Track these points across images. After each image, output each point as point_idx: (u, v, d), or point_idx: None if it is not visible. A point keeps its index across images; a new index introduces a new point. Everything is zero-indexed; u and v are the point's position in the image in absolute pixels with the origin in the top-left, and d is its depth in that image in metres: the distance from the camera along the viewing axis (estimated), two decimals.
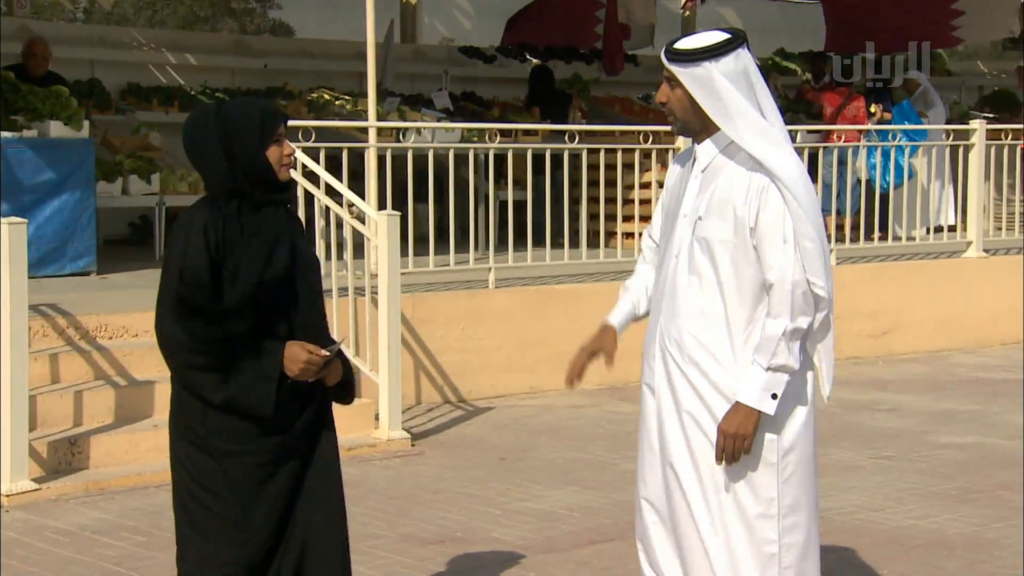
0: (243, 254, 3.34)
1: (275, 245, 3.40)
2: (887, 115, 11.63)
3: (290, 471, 3.47)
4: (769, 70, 13.36)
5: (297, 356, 3.34)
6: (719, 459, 3.35)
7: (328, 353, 3.41)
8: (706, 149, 3.46)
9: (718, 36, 3.41)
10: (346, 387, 3.56)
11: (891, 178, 10.97)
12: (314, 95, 11.03)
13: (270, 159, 3.38)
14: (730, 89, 3.34)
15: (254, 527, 3.42)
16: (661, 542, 3.50)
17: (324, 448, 3.57)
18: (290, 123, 7.79)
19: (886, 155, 10.93)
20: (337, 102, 10.84)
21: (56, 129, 8.52)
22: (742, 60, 3.38)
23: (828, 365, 3.50)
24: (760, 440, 3.39)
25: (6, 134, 8.26)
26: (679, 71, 3.38)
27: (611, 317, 3.68)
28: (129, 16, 25.30)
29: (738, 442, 3.31)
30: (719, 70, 3.34)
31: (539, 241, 8.71)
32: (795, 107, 13.42)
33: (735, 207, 3.35)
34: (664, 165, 9.32)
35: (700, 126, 3.44)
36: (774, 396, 3.31)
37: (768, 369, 3.30)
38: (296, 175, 7.38)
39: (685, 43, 3.42)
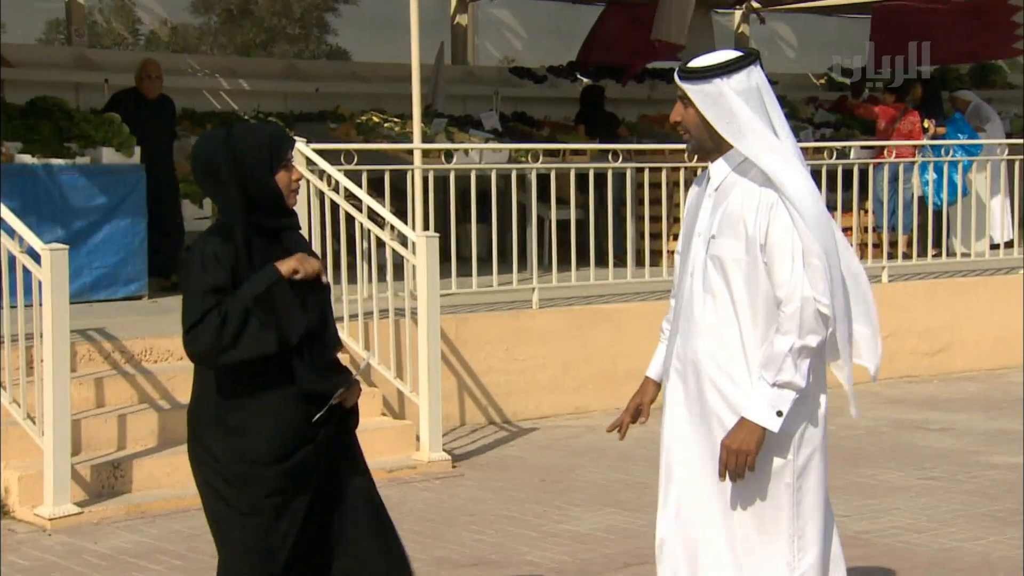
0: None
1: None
2: (941, 130, 11.46)
3: (310, 493, 3.48)
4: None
5: (308, 259, 3.38)
6: (722, 475, 3.32)
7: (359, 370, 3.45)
8: (719, 168, 3.46)
9: (730, 54, 3.44)
10: (352, 411, 3.57)
11: (944, 195, 10.80)
12: (363, 118, 11.11)
13: (279, 184, 3.40)
14: (741, 105, 3.35)
15: (275, 548, 3.44)
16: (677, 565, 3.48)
17: (350, 471, 3.57)
18: (335, 146, 7.98)
19: (939, 171, 10.75)
20: (386, 124, 10.91)
21: (108, 156, 8.66)
22: (754, 78, 3.39)
23: (848, 383, 3.46)
24: (775, 462, 3.36)
25: (59, 161, 8.41)
26: (691, 88, 3.40)
27: (650, 370, 3.72)
28: (191, 43, 25.70)
29: (740, 458, 3.28)
30: (730, 87, 3.36)
31: (584, 260, 8.69)
32: (849, 123, 13.30)
33: (746, 225, 3.35)
34: None
35: (713, 145, 3.45)
36: (779, 413, 3.28)
37: (774, 385, 3.28)
38: (338, 197, 7.44)
39: (697, 62, 3.45)
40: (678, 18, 11.70)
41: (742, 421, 3.30)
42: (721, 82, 3.35)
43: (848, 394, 3.49)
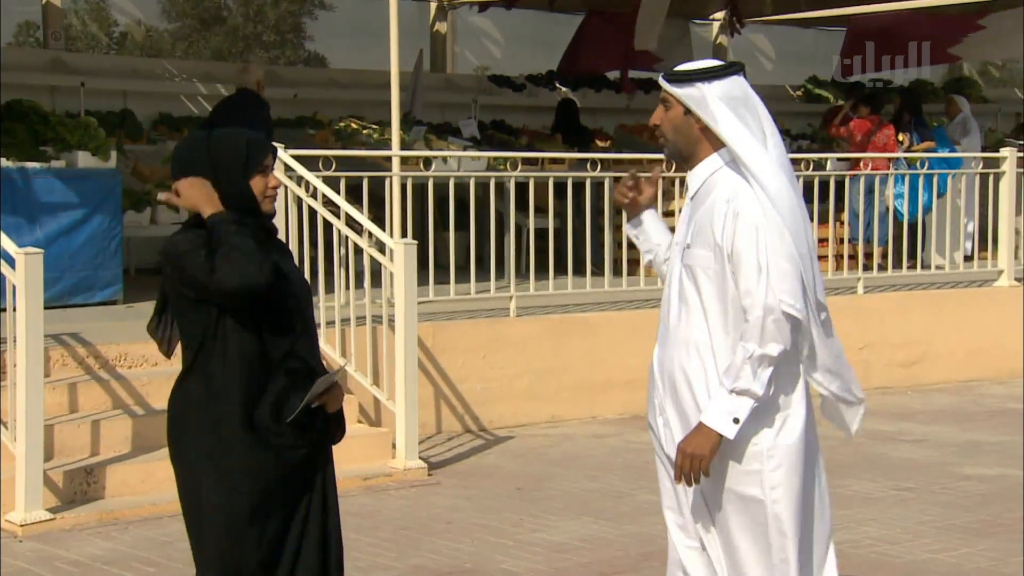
0: None
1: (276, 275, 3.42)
2: (931, 144, 11.49)
3: (287, 502, 3.46)
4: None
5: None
6: (677, 478, 3.34)
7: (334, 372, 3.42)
8: (695, 176, 3.49)
9: (715, 62, 3.48)
10: (338, 423, 3.55)
11: (914, 207, 10.81)
12: (342, 124, 11.10)
13: (254, 189, 3.39)
14: (724, 111, 3.37)
15: (255, 553, 3.41)
16: (695, 565, 3.50)
17: (326, 481, 3.55)
18: (314, 152, 7.96)
19: (912, 185, 10.77)
20: (364, 131, 10.90)
21: (84, 159, 8.61)
22: (739, 86, 3.41)
23: (839, 388, 3.46)
24: (743, 475, 3.37)
25: (34, 164, 8.35)
26: (675, 91, 3.41)
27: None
28: (165, 49, 25.57)
29: (695, 461, 3.30)
30: (713, 92, 3.38)
31: (561, 269, 8.69)
32: (826, 135, 13.35)
33: (714, 234, 3.36)
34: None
35: (690, 149, 3.46)
36: (736, 420, 3.28)
37: (731, 392, 3.28)
38: (316, 204, 7.42)
39: (683, 67, 3.49)
40: (654, 27, 11.78)
41: (699, 426, 3.32)
42: (704, 86, 3.37)
43: (847, 414, 3.50)
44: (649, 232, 3.70)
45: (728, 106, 3.36)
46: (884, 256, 10.24)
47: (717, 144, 3.41)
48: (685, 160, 3.48)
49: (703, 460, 3.29)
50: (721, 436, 3.28)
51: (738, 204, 3.32)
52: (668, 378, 3.43)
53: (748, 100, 3.41)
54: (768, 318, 3.27)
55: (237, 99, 9.59)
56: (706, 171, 3.43)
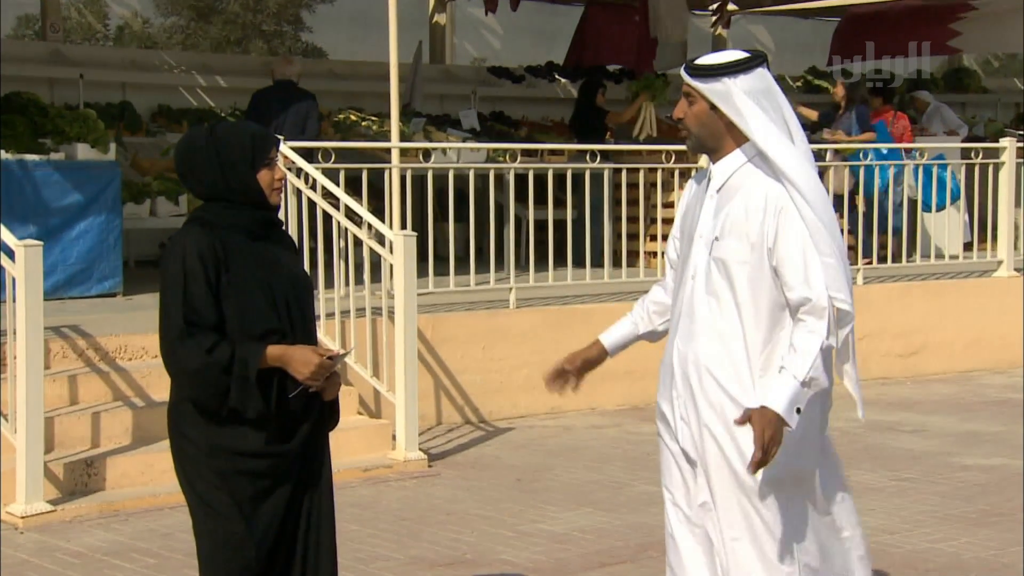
0: (241, 279, 3.36)
1: (272, 270, 3.41)
2: (871, 135, 11.24)
3: (287, 489, 3.47)
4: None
5: (309, 359, 3.34)
6: (755, 465, 3.24)
7: (337, 357, 3.41)
8: (721, 169, 3.45)
9: (739, 54, 3.44)
10: (332, 410, 3.55)
11: (946, 197, 10.76)
12: (341, 116, 11.10)
13: (261, 183, 3.40)
14: (750, 106, 3.35)
15: (250, 545, 3.41)
16: (694, 561, 3.49)
17: (323, 469, 3.56)
18: (313, 144, 7.95)
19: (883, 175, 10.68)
20: (363, 123, 10.90)
21: (83, 152, 8.61)
22: (763, 79, 3.39)
23: (855, 384, 3.48)
24: (792, 458, 3.35)
25: (33, 157, 8.35)
26: (700, 86, 3.39)
27: (605, 335, 3.72)
28: (161, 40, 25.55)
29: (774, 448, 3.22)
30: (739, 86, 3.36)
31: (561, 260, 8.69)
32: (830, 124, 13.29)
33: (752, 227, 3.34)
34: None
35: (715, 144, 3.44)
36: (798, 411, 3.26)
37: (803, 383, 3.24)
38: (316, 196, 7.43)
39: (706, 59, 3.45)
40: (672, 16, 11.74)
41: (766, 411, 3.22)
42: (729, 81, 3.34)
43: (856, 396, 3.48)
44: (620, 341, 3.69)
45: (754, 100, 3.33)
46: (884, 247, 10.24)
47: (743, 138, 3.39)
48: (710, 153, 3.46)
49: (778, 446, 3.22)
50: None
51: (781, 201, 3.31)
52: (693, 371, 3.40)
53: (771, 92, 3.39)
54: (831, 310, 3.27)
55: (277, 90, 9.63)
56: (733, 164, 3.41)
